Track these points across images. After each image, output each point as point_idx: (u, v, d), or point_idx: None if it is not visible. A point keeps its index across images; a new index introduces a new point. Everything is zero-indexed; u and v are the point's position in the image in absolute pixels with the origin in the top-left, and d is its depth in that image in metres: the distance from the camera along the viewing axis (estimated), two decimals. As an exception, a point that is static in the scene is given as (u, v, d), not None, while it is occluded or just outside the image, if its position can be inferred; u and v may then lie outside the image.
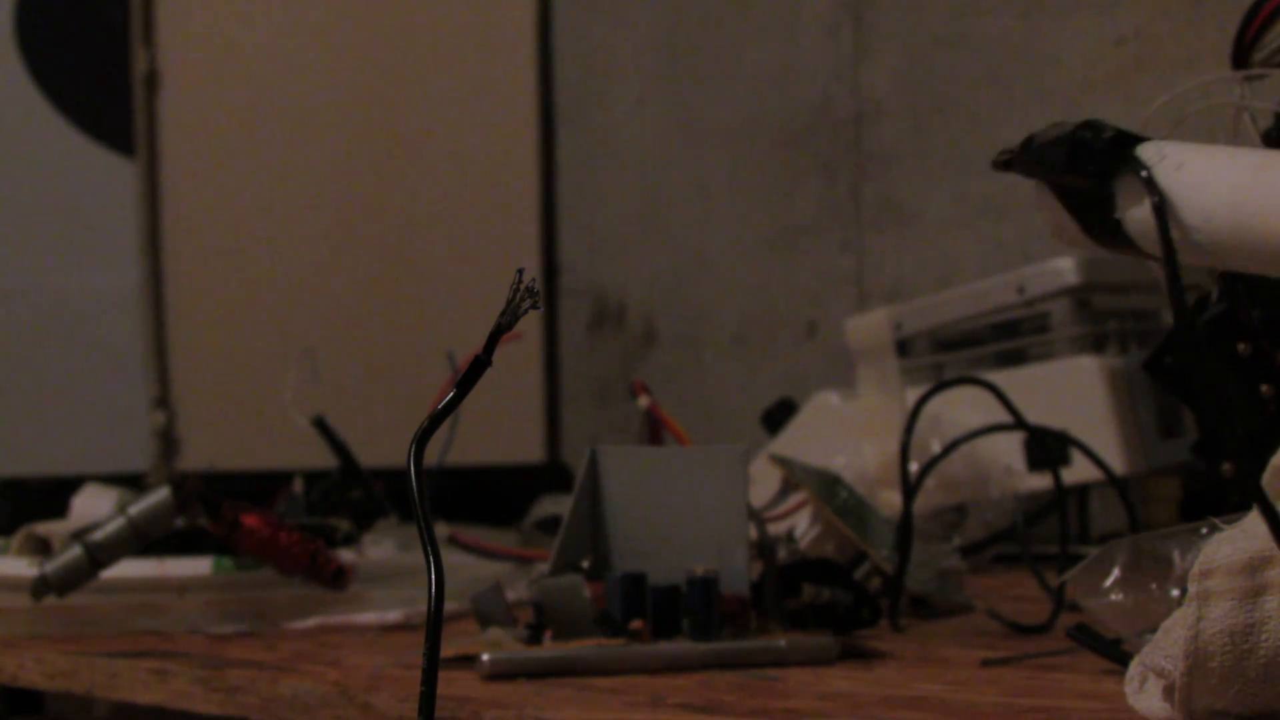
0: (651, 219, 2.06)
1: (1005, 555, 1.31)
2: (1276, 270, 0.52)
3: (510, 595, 0.88)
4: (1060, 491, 1.05)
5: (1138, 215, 0.54)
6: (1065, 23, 1.66)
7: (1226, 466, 0.93)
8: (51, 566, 1.02)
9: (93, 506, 1.26)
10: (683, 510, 0.87)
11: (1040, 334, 1.36)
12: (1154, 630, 0.63)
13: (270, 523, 1.05)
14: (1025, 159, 0.57)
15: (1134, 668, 0.64)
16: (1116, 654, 0.74)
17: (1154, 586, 0.79)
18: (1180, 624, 0.60)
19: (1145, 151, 0.55)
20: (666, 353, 2.04)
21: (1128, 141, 0.56)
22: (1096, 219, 0.56)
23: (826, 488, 1.03)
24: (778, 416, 1.51)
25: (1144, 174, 0.54)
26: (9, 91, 2.04)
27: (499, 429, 2.04)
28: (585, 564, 0.86)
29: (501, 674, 0.80)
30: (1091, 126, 0.57)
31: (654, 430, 1.08)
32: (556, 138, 2.20)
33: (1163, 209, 0.53)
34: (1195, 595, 0.60)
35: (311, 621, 1.05)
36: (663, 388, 1.73)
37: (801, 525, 1.03)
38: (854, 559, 0.99)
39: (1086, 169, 0.56)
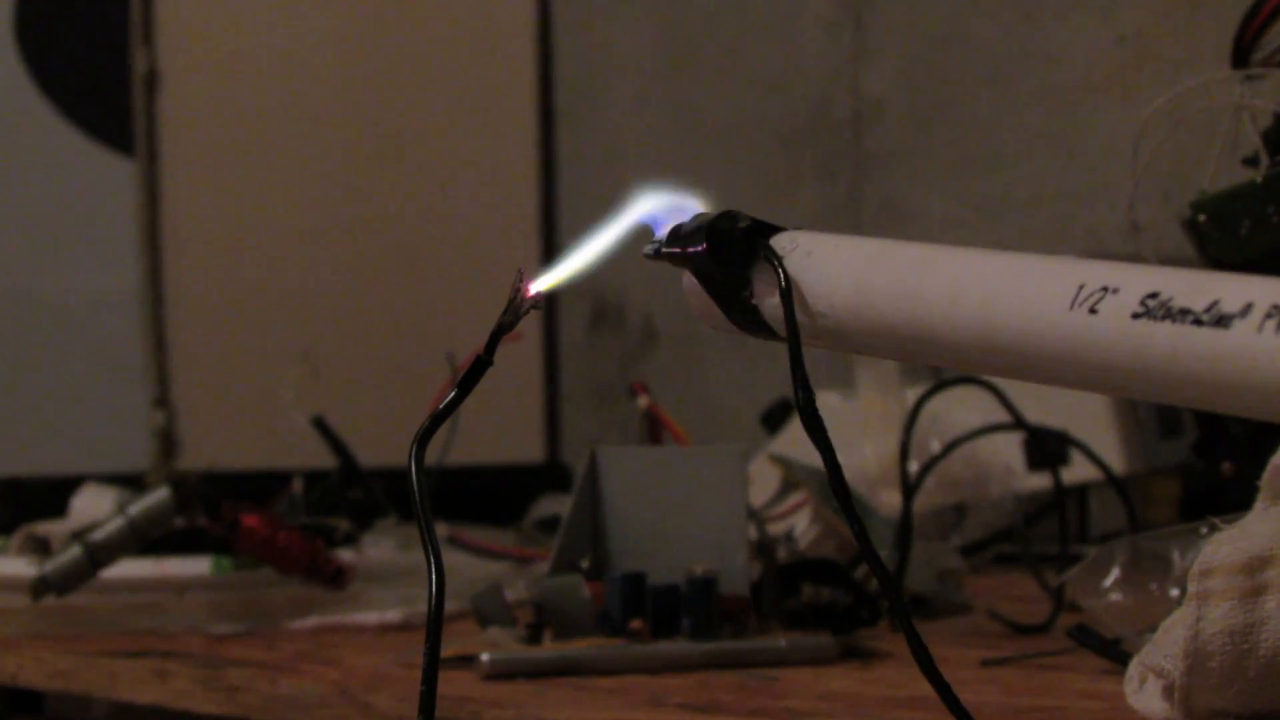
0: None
1: (1005, 555, 1.30)
2: (895, 355, 0.55)
3: (510, 595, 0.88)
4: (1060, 491, 1.04)
5: (772, 302, 0.57)
6: (1065, 22, 1.66)
7: (1226, 466, 0.93)
8: (51, 566, 1.02)
9: (92, 506, 1.26)
10: (682, 510, 0.87)
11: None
12: (1154, 630, 0.63)
13: (270, 522, 1.05)
14: (670, 249, 0.61)
15: (1133, 667, 0.64)
16: (1116, 654, 0.74)
17: (1154, 586, 0.79)
18: (1180, 624, 0.60)
19: (779, 241, 0.58)
20: (666, 353, 2.04)
21: (763, 231, 0.59)
22: (737, 305, 0.60)
23: (826, 487, 1.02)
24: (778, 416, 1.51)
25: (774, 262, 0.57)
26: (9, 91, 2.04)
27: (499, 429, 2.03)
28: (585, 564, 0.86)
29: (501, 674, 0.80)
30: (729, 217, 0.60)
31: (654, 430, 1.08)
32: (556, 137, 2.20)
33: (789, 296, 0.57)
34: (1195, 595, 0.60)
35: (311, 621, 1.05)
36: (662, 388, 1.73)
37: (801, 525, 1.03)
38: (854, 559, 0.99)
39: (724, 258, 0.59)
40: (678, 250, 0.61)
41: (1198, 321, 0.43)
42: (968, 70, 1.74)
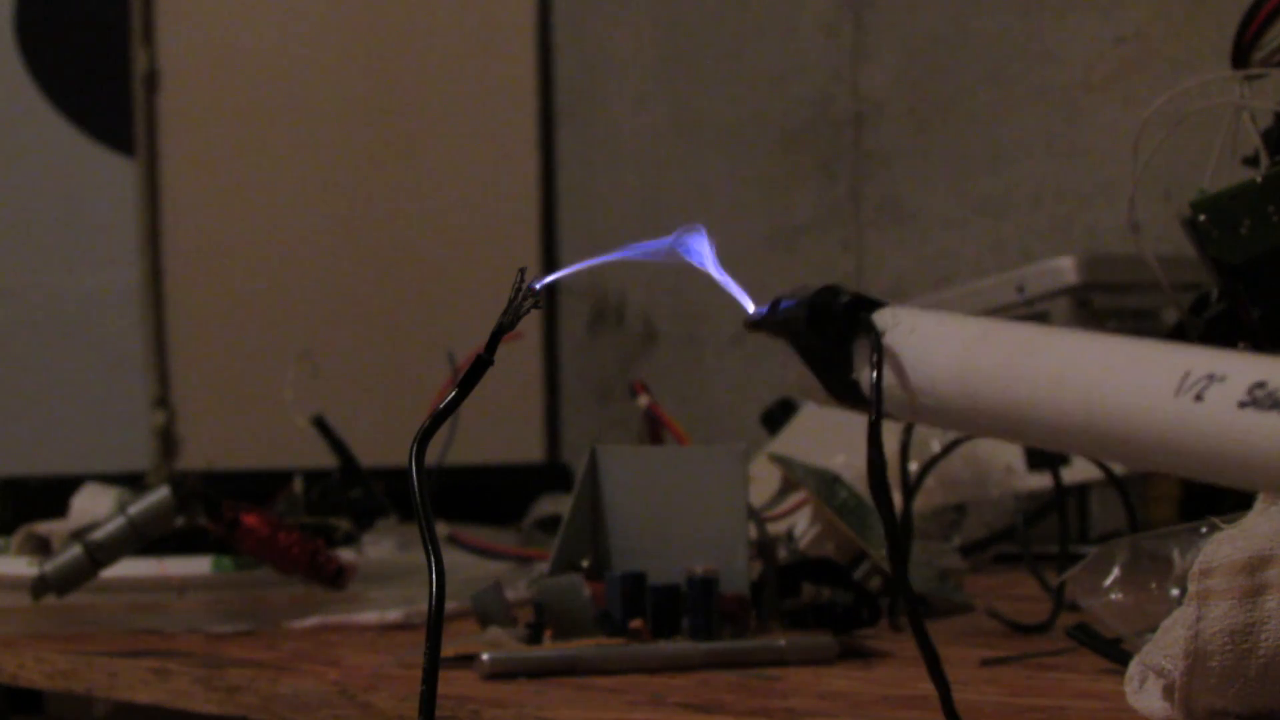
0: (651, 219, 2.06)
1: (1005, 555, 1.30)
2: (995, 435, 0.55)
3: (510, 595, 0.88)
4: (1060, 491, 1.04)
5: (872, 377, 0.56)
6: (1065, 22, 1.66)
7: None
8: (51, 566, 1.02)
9: (93, 506, 1.26)
10: (683, 510, 0.87)
11: (1040, 334, 1.36)
12: (1154, 630, 0.63)
13: (270, 522, 1.05)
14: (771, 321, 0.61)
15: (1134, 667, 0.64)
16: (1116, 653, 0.74)
17: (1154, 586, 0.79)
18: (1180, 623, 0.60)
19: (880, 316, 0.58)
20: (666, 352, 2.04)
21: (864, 306, 0.59)
22: (837, 379, 0.60)
23: (826, 487, 1.02)
24: (778, 416, 1.51)
25: (873, 338, 0.57)
26: (9, 91, 2.04)
27: (499, 429, 2.04)
28: (585, 563, 0.86)
29: (501, 673, 0.80)
30: (830, 291, 0.60)
31: (654, 430, 1.08)
32: (556, 137, 2.20)
33: (880, 370, 0.57)
34: (1195, 594, 0.60)
35: (311, 621, 1.05)
36: (662, 387, 1.73)
37: (801, 525, 1.03)
38: (854, 559, 0.99)
39: (825, 331, 0.59)
40: (776, 322, 0.61)
41: None
42: (968, 70, 1.74)
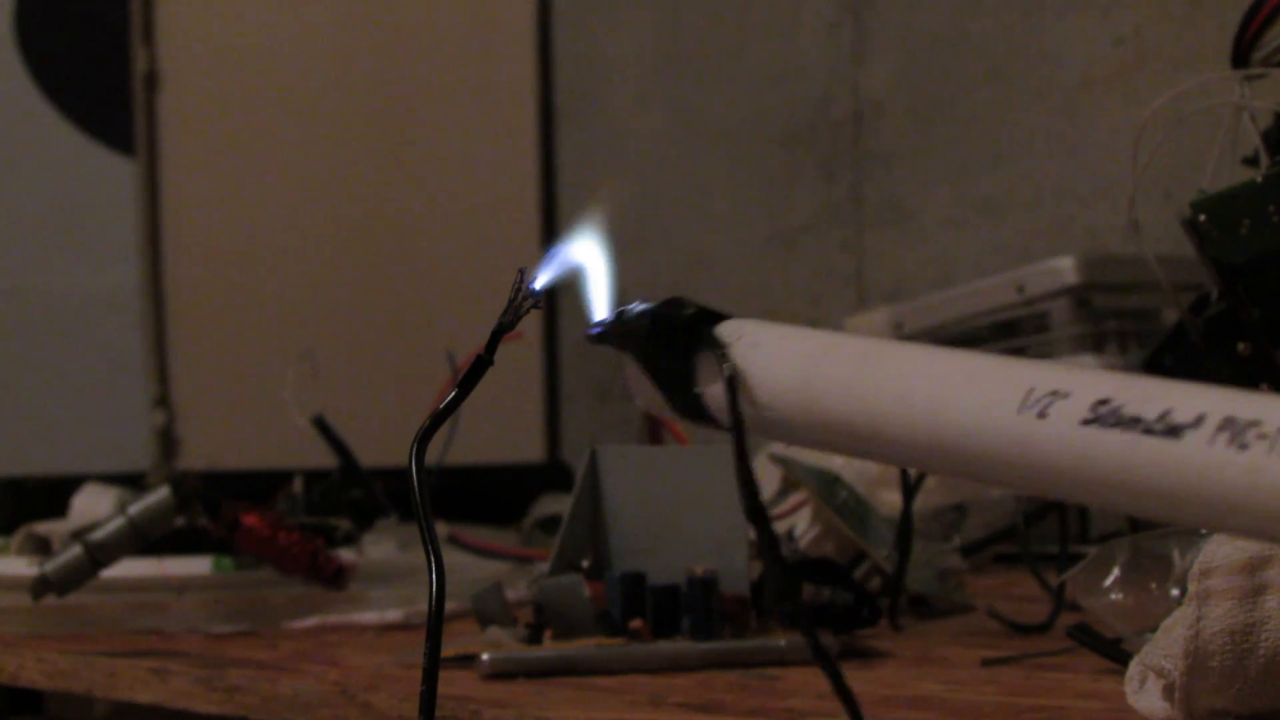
0: (651, 219, 2.06)
1: (1005, 555, 1.30)
2: (840, 451, 0.55)
3: (510, 595, 0.88)
4: (1060, 491, 1.04)
5: (715, 391, 0.56)
6: (1065, 22, 1.66)
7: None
8: (51, 566, 1.02)
9: (93, 506, 1.26)
10: (683, 510, 0.87)
11: (1040, 333, 1.36)
12: (1154, 630, 0.63)
13: (270, 522, 1.05)
14: (615, 332, 0.60)
15: (1134, 667, 0.64)
16: (1116, 653, 0.74)
17: (1154, 586, 0.79)
18: (1180, 623, 0.60)
19: (725, 329, 0.57)
20: (666, 352, 2.04)
21: (708, 319, 0.58)
22: (680, 392, 0.59)
23: (826, 487, 1.02)
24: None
25: (718, 352, 0.56)
26: (9, 91, 2.04)
27: (499, 429, 2.04)
28: (585, 563, 0.86)
29: (501, 673, 0.80)
30: (675, 304, 0.59)
31: (654, 430, 1.08)
32: (556, 138, 2.20)
33: (734, 385, 0.55)
34: (1195, 595, 0.60)
35: (311, 621, 1.05)
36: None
37: (801, 525, 1.03)
38: (854, 559, 0.99)
39: (669, 344, 0.58)
40: (619, 333, 0.60)
41: (1149, 431, 0.42)
42: (968, 70, 1.74)
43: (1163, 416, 0.42)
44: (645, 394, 0.60)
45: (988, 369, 0.48)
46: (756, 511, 0.55)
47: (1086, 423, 0.44)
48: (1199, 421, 0.42)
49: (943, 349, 0.50)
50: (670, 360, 0.58)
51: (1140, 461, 0.43)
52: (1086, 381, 0.45)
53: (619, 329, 0.60)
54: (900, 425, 0.50)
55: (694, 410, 0.58)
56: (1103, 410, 0.44)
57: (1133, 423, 0.43)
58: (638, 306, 0.60)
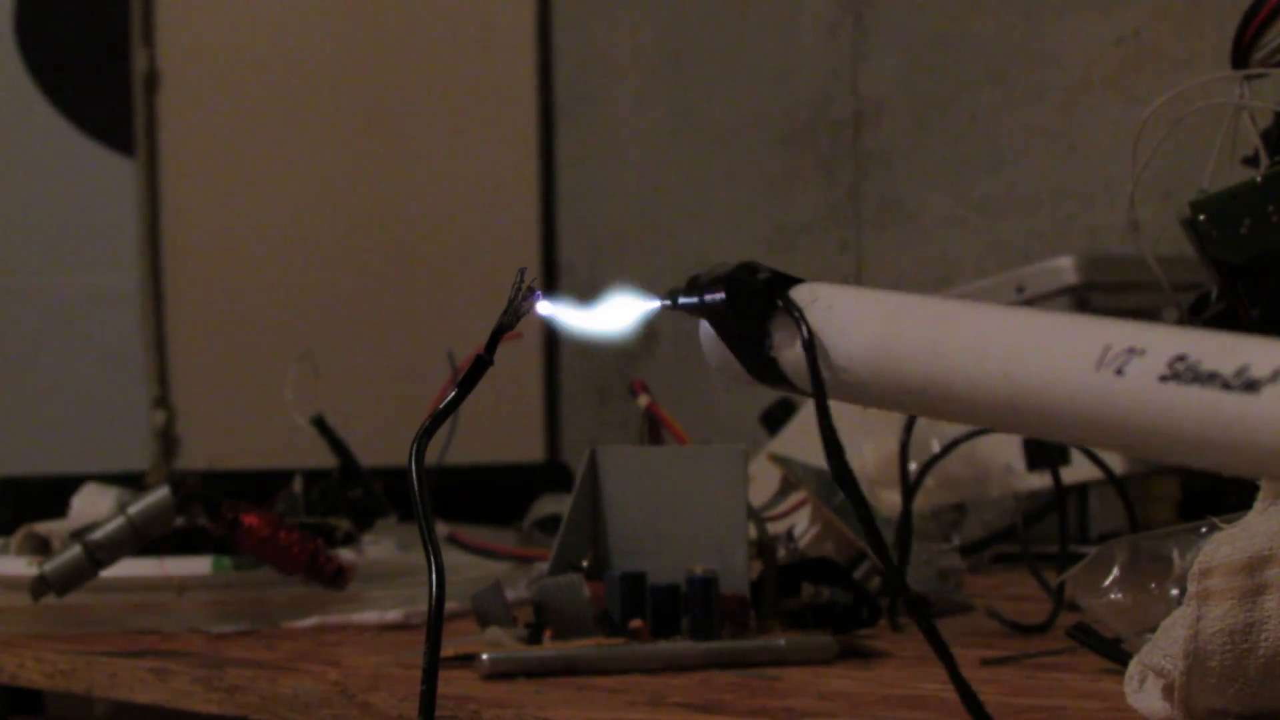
0: (651, 218, 2.06)
1: (1005, 555, 1.30)
2: (916, 411, 0.54)
3: (510, 595, 0.88)
4: (1060, 491, 1.04)
5: (790, 355, 0.56)
6: (1065, 22, 1.66)
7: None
8: (51, 566, 1.02)
9: (92, 506, 1.26)
10: (683, 510, 0.87)
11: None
12: (1153, 630, 0.63)
13: (270, 522, 1.05)
14: (689, 299, 0.60)
15: (1133, 667, 0.64)
16: (1116, 653, 0.74)
17: (1153, 586, 0.79)
18: (1180, 623, 0.60)
19: (799, 293, 0.58)
20: (666, 353, 2.04)
21: (783, 283, 0.59)
22: (754, 357, 0.59)
23: (826, 487, 1.02)
24: (778, 416, 1.51)
25: (796, 314, 0.56)
26: (9, 91, 2.04)
27: (499, 429, 2.04)
28: (585, 563, 0.86)
29: (501, 673, 0.80)
30: (748, 268, 0.60)
31: (654, 430, 1.08)
32: (556, 137, 2.20)
33: (812, 348, 0.55)
34: (1195, 595, 0.60)
35: (311, 621, 1.05)
36: (662, 388, 1.73)
37: (801, 525, 1.03)
38: (854, 559, 0.99)
39: (743, 309, 0.59)
40: (695, 300, 0.60)
41: (1226, 386, 0.42)
42: (968, 70, 1.74)
43: (1240, 371, 0.42)
44: (719, 359, 0.60)
45: (1063, 327, 0.48)
46: (845, 474, 0.55)
47: (1164, 379, 0.44)
48: (1276, 376, 0.42)
49: (1017, 308, 0.50)
50: (745, 325, 0.58)
51: (1219, 417, 0.42)
52: (1163, 337, 0.45)
53: (693, 294, 0.61)
54: (977, 385, 0.50)
55: (769, 374, 0.58)
56: (1180, 366, 0.44)
57: (1210, 378, 0.43)
58: (713, 272, 0.60)
